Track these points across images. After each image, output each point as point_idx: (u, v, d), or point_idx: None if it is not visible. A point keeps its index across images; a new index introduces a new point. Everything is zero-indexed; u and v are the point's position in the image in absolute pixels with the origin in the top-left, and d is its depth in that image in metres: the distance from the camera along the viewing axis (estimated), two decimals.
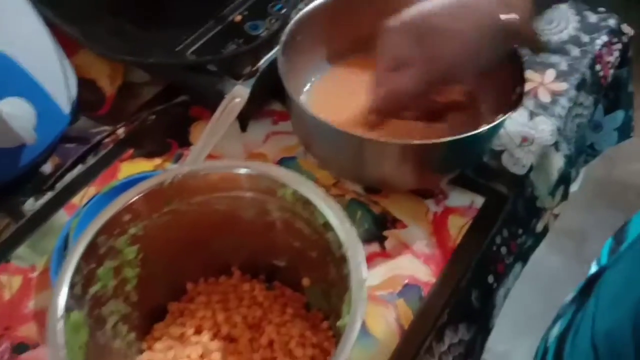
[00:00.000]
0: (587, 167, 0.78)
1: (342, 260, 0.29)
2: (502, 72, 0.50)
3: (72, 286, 0.28)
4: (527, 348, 0.66)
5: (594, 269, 0.61)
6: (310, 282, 0.38)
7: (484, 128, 0.44)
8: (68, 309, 0.28)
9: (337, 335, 0.35)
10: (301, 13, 0.51)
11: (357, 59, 0.56)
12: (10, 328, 0.44)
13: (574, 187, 0.65)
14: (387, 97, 0.47)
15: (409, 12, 0.45)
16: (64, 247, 0.46)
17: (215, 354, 0.33)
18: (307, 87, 0.56)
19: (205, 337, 0.35)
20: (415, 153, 0.44)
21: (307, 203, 0.31)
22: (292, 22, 0.51)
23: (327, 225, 0.31)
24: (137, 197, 0.31)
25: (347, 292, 0.28)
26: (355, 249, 0.29)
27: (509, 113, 0.44)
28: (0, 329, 0.44)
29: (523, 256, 0.58)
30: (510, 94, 0.47)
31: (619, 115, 0.70)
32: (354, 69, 0.56)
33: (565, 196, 0.61)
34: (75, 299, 0.29)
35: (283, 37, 0.50)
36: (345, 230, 0.30)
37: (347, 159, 0.48)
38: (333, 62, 0.57)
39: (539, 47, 0.46)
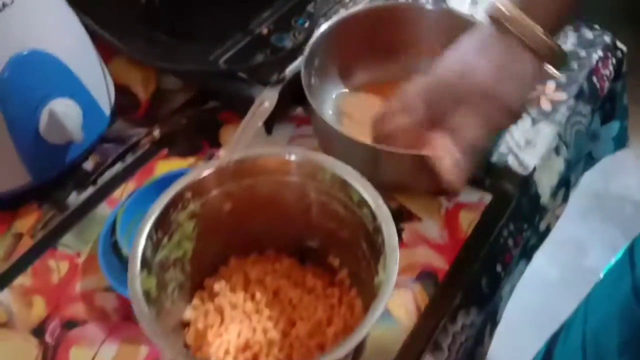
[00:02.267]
0: (583, 178, 0.82)
1: (376, 231, 0.34)
2: None
3: (144, 251, 0.33)
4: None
5: None
6: (339, 262, 0.42)
7: None
8: (142, 268, 0.32)
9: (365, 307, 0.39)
10: (322, 29, 0.57)
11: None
12: (60, 307, 0.48)
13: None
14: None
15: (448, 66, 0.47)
16: (111, 234, 0.50)
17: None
18: (334, 96, 0.61)
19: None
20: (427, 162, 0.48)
21: (343, 184, 0.35)
22: (312, 39, 0.56)
23: (361, 203, 0.35)
24: (199, 177, 0.35)
25: (381, 257, 0.33)
26: (387, 220, 0.34)
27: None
28: (50, 308, 0.48)
29: (527, 254, 0.62)
30: None
31: (615, 125, 0.75)
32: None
33: (565, 199, 0.66)
34: (145, 263, 0.33)
35: (306, 51, 0.55)
36: (377, 205, 0.34)
37: (363, 167, 0.53)
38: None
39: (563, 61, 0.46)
